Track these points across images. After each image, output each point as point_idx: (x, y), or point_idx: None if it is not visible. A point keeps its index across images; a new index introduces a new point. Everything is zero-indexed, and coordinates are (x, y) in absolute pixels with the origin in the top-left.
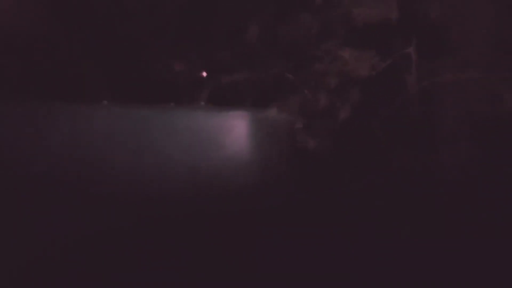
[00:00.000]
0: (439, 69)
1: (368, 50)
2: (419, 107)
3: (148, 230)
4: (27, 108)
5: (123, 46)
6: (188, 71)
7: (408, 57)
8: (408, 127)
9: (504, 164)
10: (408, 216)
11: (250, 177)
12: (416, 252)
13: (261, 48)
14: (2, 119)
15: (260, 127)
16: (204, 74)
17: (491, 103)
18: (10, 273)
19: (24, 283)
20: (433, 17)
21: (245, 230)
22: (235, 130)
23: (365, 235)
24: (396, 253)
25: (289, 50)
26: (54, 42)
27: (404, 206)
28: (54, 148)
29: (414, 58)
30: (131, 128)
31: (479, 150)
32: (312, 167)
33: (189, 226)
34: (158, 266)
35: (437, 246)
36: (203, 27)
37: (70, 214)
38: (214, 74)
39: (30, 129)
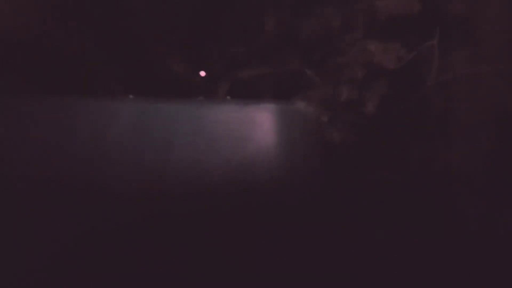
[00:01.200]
0: (461, 62)
1: (393, 43)
2: (439, 100)
3: (177, 224)
4: (49, 103)
5: (138, 41)
6: (206, 66)
7: (431, 49)
8: (428, 120)
9: None
10: (422, 213)
11: (277, 170)
12: (432, 252)
13: (279, 42)
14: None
15: (288, 120)
16: (203, 73)
17: None
18: (12, 272)
19: (27, 283)
20: (455, 10)
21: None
22: (263, 123)
23: (376, 233)
24: (411, 252)
25: (308, 43)
26: (66, 37)
27: (417, 202)
28: (80, 144)
29: (437, 50)
30: (159, 122)
31: (499, 144)
32: (337, 161)
33: (218, 219)
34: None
35: (453, 245)
36: (219, 21)
37: (96, 212)
38: (232, 69)
39: (54, 125)
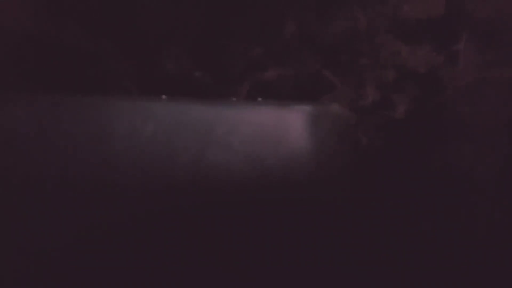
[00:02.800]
0: (486, 65)
1: (422, 46)
2: (462, 104)
3: (210, 224)
4: (79, 102)
5: (153, 40)
6: (225, 67)
7: (458, 52)
8: (451, 124)
9: None
10: (442, 217)
11: (310, 171)
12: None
13: (301, 44)
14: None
15: (321, 122)
16: (198, 74)
17: None
18: (15, 272)
19: (30, 284)
20: (481, 14)
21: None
22: (297, 124)
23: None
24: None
25: (331, 45)
26: (80, 35)
27: (438, 206)
28: (114, 144)
29: (463, 54)
30: (192, 123)
31: None
32: (364, 164)
33: (253, 219)
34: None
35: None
36: (239, 21)
37: (132, 211)
38: (251, 70)
39: (89, 125)
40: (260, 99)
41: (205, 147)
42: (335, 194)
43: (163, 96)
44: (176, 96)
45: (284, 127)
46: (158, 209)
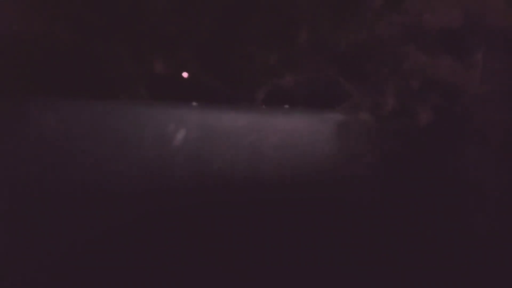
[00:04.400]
0: (505, 75)
1: (443, 55)
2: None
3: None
4: (101, 107)
5: (163, 45)
6: (241, 74)
7: (477, 62)
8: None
9: None
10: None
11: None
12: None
13: (317, 52)
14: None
15: (348, 129)
16: (185, 74)
17: None
18: (14, 275)
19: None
20: (499, 23)
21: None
22: (324, 132)
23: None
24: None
25: (348, 53)
26: (90, 38)
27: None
28: (146, 150)
29: (482, 63)
30: (224, 130)
31: None
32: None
33: (284, 220)
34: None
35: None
36: (254, 28)
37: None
38: (268, 77)
39: (121, 131)
40: (287, 106)
41: (235, 154)
42: (359, 197)
43: (194, 103)
44: (206, 103)
45: (312, 134)
46: (188, 215)
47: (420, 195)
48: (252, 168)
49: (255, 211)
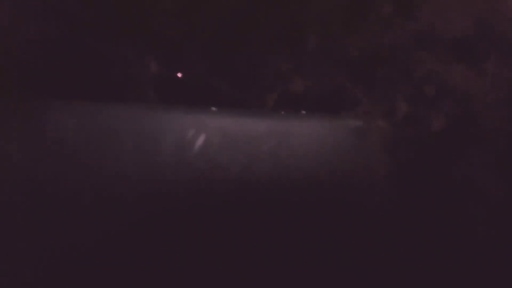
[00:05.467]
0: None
1: (456, 63)
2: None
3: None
4: (118, 111)
5: (171, 48)
6: (253, 79)
7: (487, 69)
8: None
9: None
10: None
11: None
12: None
13: (327, 58)
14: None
15: (365, 136)
16: (179, 75)
17: None
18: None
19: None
20: (509, 32)
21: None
22: (341, 137)
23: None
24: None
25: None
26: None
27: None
28: (165, 155)
29: (492, 71)
30: (243, 135)
31: None
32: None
33: (304, 224)
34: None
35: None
36: (264, 33)
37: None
38: (279, 82)
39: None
40: (304, 112)
41: (254, 159)
42: (374, 201)
43: (213, 108)
44: (226, 108)
45: (329, 139)
46: (208, 220)
47: (432, 201)
48: (272, 174)
49: (275, 216)
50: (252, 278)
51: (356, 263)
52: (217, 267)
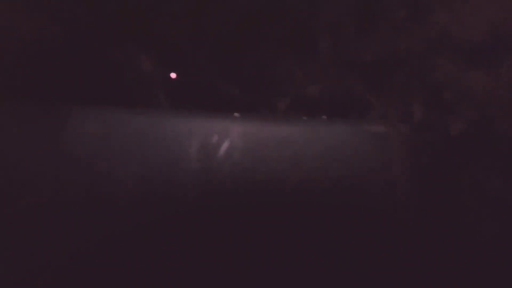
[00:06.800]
0: None
1: (473, 68)
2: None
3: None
4: (139, 117)
5: (181, 51)
6: (263, 84)
7: (502, 73)
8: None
9: None
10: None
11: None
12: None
13: (340, 62)
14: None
15: (387, 141)
16: (173, 75)
17: None
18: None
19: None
20: None
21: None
22: (363, 142)
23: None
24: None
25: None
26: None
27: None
28: (190, 161)
29: (507, 74)
30: (267, 141)
31: None
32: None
33: (320, 230)
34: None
35: None
36: (274, 37)
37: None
38: (291, 87)
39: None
40: (324, 117)
41: (278, 165)
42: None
43: (236, 114)
44: (248, 114)
45: (352, 144)
46: (234, 225)
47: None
48: (296, 179)
49: (301, 221)
50: (277, 286)
51: (377, 268)
52: (245, 274)
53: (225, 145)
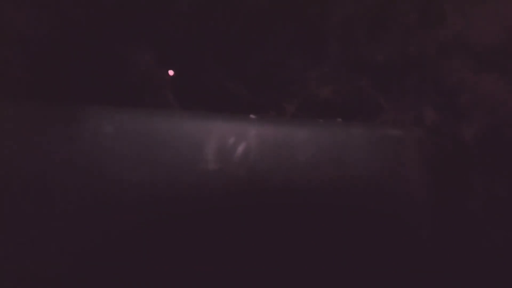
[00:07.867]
0: None
1: (490, 72)
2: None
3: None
4: (154, 118)
5: (190, 52)
6: (271, 85)
7: None
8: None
9: None
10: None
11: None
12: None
13: (352, 64)
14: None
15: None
16: (171, 73)
17: None
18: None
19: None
20: None
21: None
22: (379, 145)
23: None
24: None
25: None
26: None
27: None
28: (205, 163)
29: None
30: (282, 144)
31: None
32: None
33: (336, 233)
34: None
35: None
36: (284, 38)
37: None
38: (301, 88)
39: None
40: (339, 119)
41: (294, 167)
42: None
43: (252, 116)
44: (263, 115)
45: (368, 147)
46: (248, 228)
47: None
48: (312, 181)
49: (318, 223)
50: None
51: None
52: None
53: (241, 147)
